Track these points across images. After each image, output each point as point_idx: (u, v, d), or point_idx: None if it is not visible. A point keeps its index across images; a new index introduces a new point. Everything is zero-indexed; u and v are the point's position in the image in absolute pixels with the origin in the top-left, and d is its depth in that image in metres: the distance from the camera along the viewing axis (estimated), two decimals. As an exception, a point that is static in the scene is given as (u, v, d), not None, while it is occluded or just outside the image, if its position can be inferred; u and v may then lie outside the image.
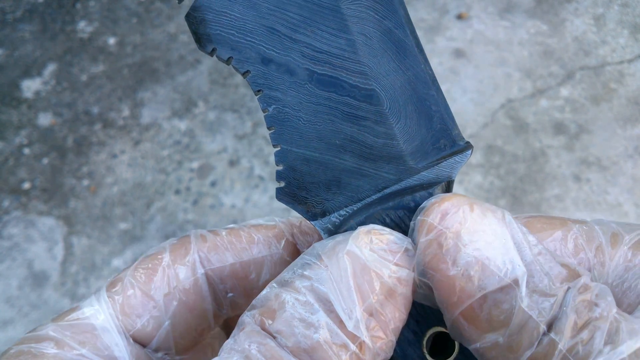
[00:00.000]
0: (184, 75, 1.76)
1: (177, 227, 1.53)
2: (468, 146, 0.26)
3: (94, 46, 1.86)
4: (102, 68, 1.81)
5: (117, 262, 1.50)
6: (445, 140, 0.26)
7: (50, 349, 0.23)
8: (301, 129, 0.25)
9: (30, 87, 1.79)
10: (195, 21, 0.25)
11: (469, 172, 1.53)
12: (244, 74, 0.25)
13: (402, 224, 0.25)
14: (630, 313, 0.22)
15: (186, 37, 1.80)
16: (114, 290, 0.26)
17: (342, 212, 0.25)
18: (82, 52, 1.85)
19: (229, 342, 0.21)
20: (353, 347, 0.20)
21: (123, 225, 1.55)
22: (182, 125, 1.69)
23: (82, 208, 1.58)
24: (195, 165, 1.61)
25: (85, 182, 1.62)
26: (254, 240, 0.28)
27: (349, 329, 0.20)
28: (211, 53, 0.25)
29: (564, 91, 1.64)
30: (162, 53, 1.82)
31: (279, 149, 0.26)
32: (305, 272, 0.21)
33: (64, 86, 1.79)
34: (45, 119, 1.74)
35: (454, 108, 1.65)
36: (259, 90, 0.25)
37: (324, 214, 0.25)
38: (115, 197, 1.59)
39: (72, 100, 1.76)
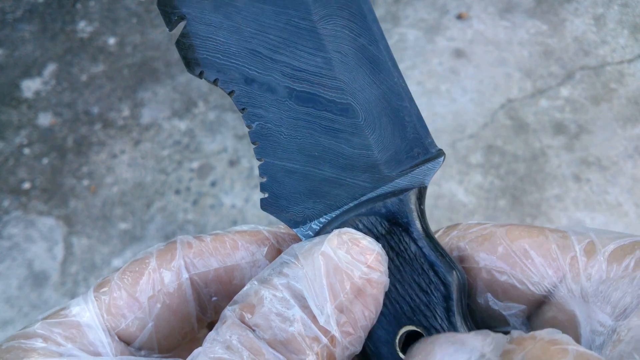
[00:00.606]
0: (184, 75, 1.76)
1: (177, 227, 1.53)
2: (440, 153, 0.27)
3: (94, 46, 1.86)
4: (102, 68, 1.81)
5: (117, 262, 1.50)
6: (418, 149, 0.27)
7: (38, 344, 0.24)
8: (283, 142, 0.27)
9: (30, 87, 1.79)
10: (184, 47, 0.27)
11: (469, 172, 1.53)
12: (229, 94, 0.27)
13: (375, 229, 0.26)
14: (607, 326, 0.23)
15: (186, 37, 1.80)
16: (101, 291, 0.27)
17: (321, 220, 0.27)
18: (82, 52, 1.85)
19: (211, 334, 0.23)
20: (325, 340, 0.22)
21: (123, 225, 1.55)
22: (182, 125, 1.69)
23: (82, 208, 1.58)
24: (195, 165, 1.61)
25: (85, 182, 1.62)
26: (237, 246, 0.29)
27: (321, 324, 0.22)
28: (199, 75, 0.27)
29: (564, 91, 1.64)
30: (162, 53, 1.82)
31: (262, 162, 0.27)
32: (283, 270, 0.23)
33: (64, 86, 1.79)
34: (45, 119, 1.74)
35: (454, 108, 1.65)
36: (243, 109, 0.27)
37: (305, 222, 0.27)
38: (115, 197, 1.59)
39: (72, 100, 1.76)
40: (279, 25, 0.27)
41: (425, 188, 0.27)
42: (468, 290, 0.27)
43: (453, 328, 0.25)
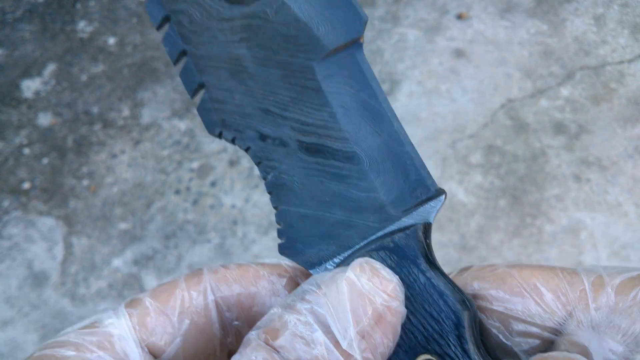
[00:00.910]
0: (184, 75, 1.76)
1: (177, 227, 1.53)
2: (440, 192, 0.29)
3: (94, 46, 1.86)
4: (102, 68, 1.81)
5: (117, 262, 1.50)
6: (420, 190, 0.29)
7: (70, 352, 0.25)
8: (296, 190, 0.29)
9: (30, 87, 1.80)
10: (204, 111, 0.30)
11: (469, 172, 1.53)
12: (245, 150, 0.30)
13: (384, 263, 0.28)
14: (619, 353, 0.25)
15: (186, 37, 1.80)
16: (132, 306, 0.29)
17: (335, 260, 0.29)
18: (82, 52, 1.85)
19: (235, 357, 0.23)
20: None
21: (123, 225, 1.55)
22: (182, 125, 1.69)
23: (82, 208, 1.58)
24: (195, 165, 1.61)
25: (85, 182, 1.62)
26: (259, 275, 0.31)
27: (344, 347, 0.23)
28: (219, 136, 0.30)
29: (564, 91, 1.64)
30: (162, 53, 1.82)
31: (278, 210, 0.30)
32: (305, 297, 0.24)
33: (63, 86, 1.79)
34: (45, 119, 1.74)
35: (454, 108, 1.65)
36: (259, 162, 0.30)
37: (320, 263, 0.29)
38: (115, 197, 1.59)
39: (72, 100, 1.76)
40: (287, 86, 0.29)
41: (430, 224, 0.29)
42: (480, 328, 0.28)
43: (466, 355, 0.26)
